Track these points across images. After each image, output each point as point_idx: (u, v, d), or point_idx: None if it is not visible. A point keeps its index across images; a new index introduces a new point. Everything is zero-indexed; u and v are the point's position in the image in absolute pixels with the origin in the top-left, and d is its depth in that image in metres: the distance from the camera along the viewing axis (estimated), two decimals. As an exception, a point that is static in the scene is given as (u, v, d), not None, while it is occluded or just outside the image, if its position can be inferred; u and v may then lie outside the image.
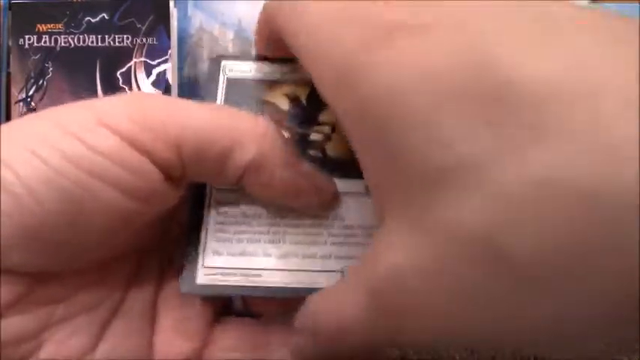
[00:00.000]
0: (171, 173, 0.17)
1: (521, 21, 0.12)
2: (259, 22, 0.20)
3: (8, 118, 0.42)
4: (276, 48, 0.19)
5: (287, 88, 0.20)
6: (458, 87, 0.11)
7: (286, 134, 0.20)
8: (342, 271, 0.18)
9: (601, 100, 0.10)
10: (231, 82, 0.19)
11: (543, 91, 0.11)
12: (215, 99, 0.19)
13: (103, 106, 0.17)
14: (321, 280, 0.18)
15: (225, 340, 0.19)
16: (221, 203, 0.18)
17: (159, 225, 0.21)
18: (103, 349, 0.17)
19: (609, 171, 0.10)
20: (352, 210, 0.19)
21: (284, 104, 0.20)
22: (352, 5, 0.13)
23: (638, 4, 0.48)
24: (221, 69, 0.20)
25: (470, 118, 0.11)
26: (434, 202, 0.11)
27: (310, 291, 0.17)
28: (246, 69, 0.20)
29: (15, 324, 0.15)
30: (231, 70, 0.20)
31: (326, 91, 0.14)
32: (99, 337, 0.17)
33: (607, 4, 0.48)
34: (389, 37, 0.12)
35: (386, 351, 0.24)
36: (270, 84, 0.20)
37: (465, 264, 0.11)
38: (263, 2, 0.48)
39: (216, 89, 0.19)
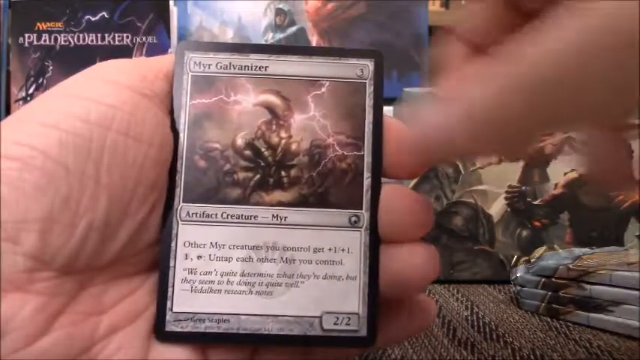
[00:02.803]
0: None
1: None
2: None
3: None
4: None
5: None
6: None
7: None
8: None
9: None
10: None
11: None
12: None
13: (96, 69, 0.17)
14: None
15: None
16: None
17: None
18: None
19: None
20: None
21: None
22: None
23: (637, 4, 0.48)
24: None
25: None
26: None
27: (285, 339, 0.16)
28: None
29: (62, 338, 0.15)
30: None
31: None
32: (146, 349, 0.17)
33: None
34: None
35: (386, 350, 0.25)
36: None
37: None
38: (262, 2, 0.47)
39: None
